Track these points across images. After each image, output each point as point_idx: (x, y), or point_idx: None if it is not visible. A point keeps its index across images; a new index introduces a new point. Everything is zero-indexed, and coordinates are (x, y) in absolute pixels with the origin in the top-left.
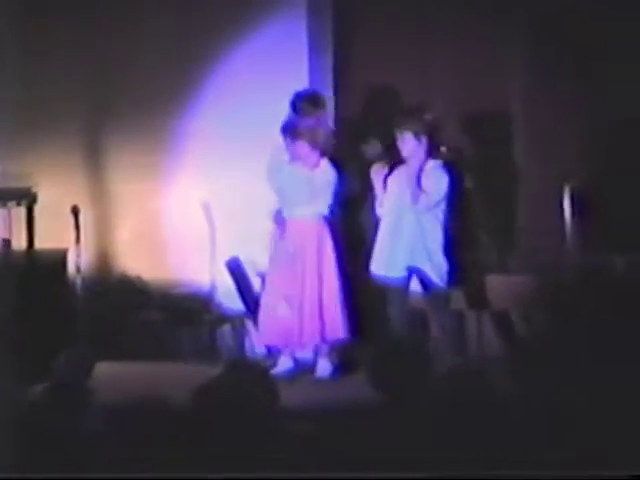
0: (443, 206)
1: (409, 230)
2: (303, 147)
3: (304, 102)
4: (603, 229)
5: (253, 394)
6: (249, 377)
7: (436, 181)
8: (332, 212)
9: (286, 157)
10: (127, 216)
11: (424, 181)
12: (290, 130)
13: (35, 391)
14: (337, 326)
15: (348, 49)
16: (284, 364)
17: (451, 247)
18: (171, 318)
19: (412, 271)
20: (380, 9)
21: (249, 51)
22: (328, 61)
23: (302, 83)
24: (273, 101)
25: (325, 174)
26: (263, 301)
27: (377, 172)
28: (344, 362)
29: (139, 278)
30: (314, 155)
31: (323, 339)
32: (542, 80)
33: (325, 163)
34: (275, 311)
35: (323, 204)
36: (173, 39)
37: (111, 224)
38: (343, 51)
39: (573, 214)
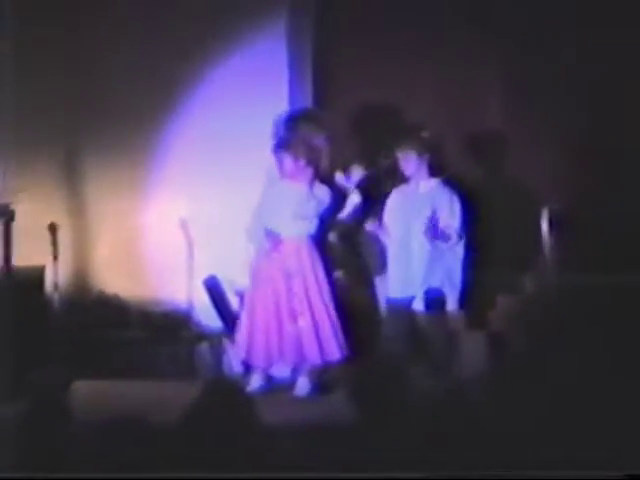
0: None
1: (423, 251)
2: (294, 163)
3: (300, 119)
4: (582, 250)
5: (231, 412)
6: (227, 395)
7: (451, 213)
8: (322, 231)
9: (277, 174)
10: (105, 234)
11: (440, 214)
12: (281, 146)
13: (12, 408)
14: (332, 348)
15: (328, 68)
16: (255, 382)
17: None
18: (149, 336)
19: (432, 292)
20: (360, 28)
21: (230, 70)
22: (308, 81)
23: (282, 102)
24: (253, 119)
25: (317, 193)
26: (243, 319)
27: (376, 190)
28: (323, 381)
29: (117, 296)
30: (306, 172)
31: (312, 359)
32: (521, 102)
33: (318, 181)
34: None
35: (313, 223)
36: (153, 58)
37: (89, 242)
38: (323, 70)
39: (552, 235)
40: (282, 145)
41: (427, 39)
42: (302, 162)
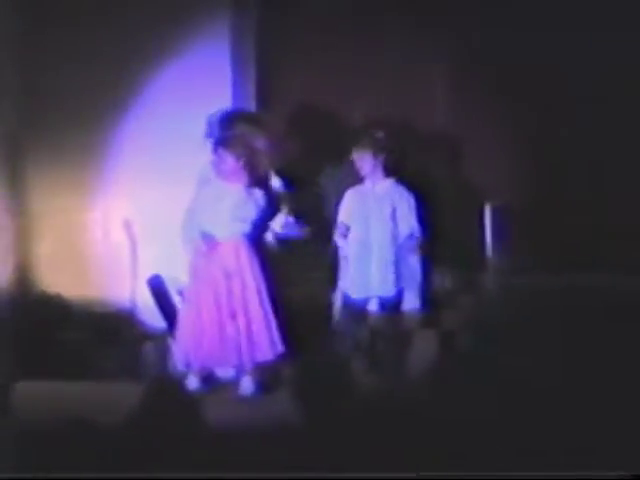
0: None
1: (382, 251)
2: (235, 163)
3: (239, 120)
4: (526, 247)
5: (176, 412)
6: (172, 396)
7: (409, 211)
8: (260, 231)
9: (213, 174)
10: (48, 233)
11: (399, 213)
12: (222, 144)
13: None
14: (265, 346)
15: (270, 69)
16: (193, 382)
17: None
18: (93, 336)
19: (399, 291)
20: (303, 29)
21: (173, 70)
22: (251, 82)
23: (226, 103)
24: (196, 120)
25: (255, 195)
26: (183, 319)
27: (332, 189)
28: (268, 380)
29: (60, 296)
30: (244, 173)
31: (249, 358)
32: (465, 98)
33: (255, 183)
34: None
35: (251, 224)
36: (98, 57)
37: (31, 241)
38: (265, 71)
39: (494, 232)
40: (223, 143)
41: (375, 39)
42: (242, 162)
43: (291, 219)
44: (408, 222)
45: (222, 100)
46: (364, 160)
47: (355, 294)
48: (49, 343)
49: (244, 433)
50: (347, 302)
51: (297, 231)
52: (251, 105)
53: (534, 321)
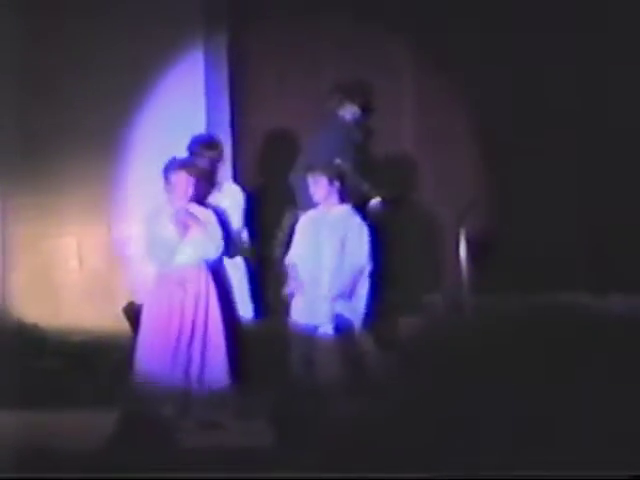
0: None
1: (333, 275)
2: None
3: (199, 145)
4: (498, 271)
5: (153, 440)
6: (148, 424)
7: (360, 240)
8: (218, 257)
9: (165, 202)
10: (23, 260)
11: (348, 245)
12: (176, 166)
13: None
14: (219, 373)
15: (245, 93)
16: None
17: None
18: (68, 365)
19: (337, 317)
20: (275, 54)
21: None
22: (225, 105)
23: (200, 127)
24: (172, 144)
25: (211, 216)
26: (142, 347)
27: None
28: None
29: (36, 325)
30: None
31: (203, 385)
32: (437, 124)
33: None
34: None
35: (206, 249)
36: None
37: (6, 268)
38: (240, 94)
39: (468, 256)
40: (174, 165)
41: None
42: (191, 183)
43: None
44: (358, 251)
45: (197, 127)
46: (318, 185)
47: (304, 318)
48: (25, 371)
49: (216, 459)
50: (296, 327)
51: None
52: (225, 131)
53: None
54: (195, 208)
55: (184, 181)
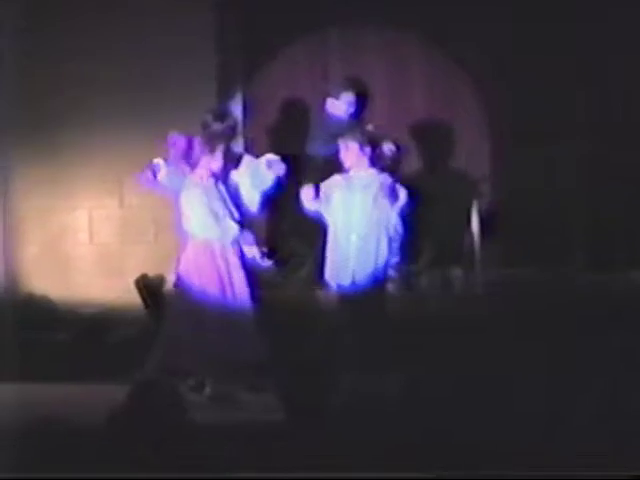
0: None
1: (361, 238)
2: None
3: (210, 116)
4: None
5: (163, 411)
6: (160, 395)
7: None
8: (241, 227)
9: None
10: (34, 234)
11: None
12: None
13: None
14: (247, 347)
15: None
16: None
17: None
18: (79, 337)
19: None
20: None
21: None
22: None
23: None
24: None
25: (237, 183)
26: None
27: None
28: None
29: (46, 298)
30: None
31: (234, 359)
32: (457, 93)
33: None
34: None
35: (230, 221)
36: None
37: (17, 241)
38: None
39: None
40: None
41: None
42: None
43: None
44: (388, 212)
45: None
46: (350, 151)
47: (332, 279)
48: (35, 344)
49: (231, 433)
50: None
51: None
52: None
53: (522, 315)
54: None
55: (208, 155)
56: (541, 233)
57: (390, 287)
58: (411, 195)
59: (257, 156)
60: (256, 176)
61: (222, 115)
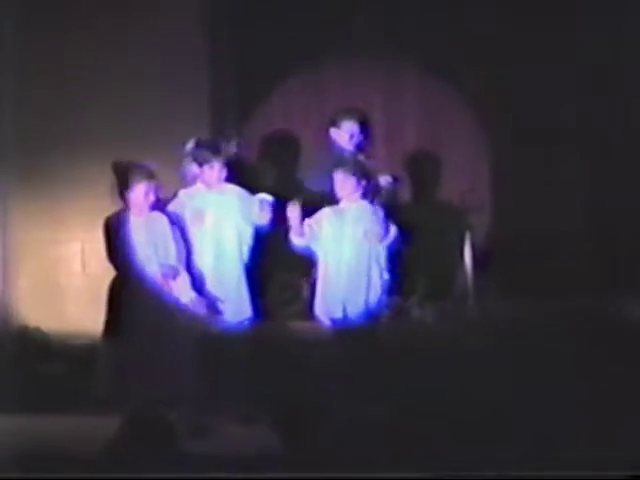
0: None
1: (351, 269)
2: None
3: (203, 150)
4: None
5: (156, 442)
6: (151, 427)
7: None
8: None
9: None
10: (27, 265)
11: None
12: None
13: None
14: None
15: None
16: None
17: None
18: (72, 369)
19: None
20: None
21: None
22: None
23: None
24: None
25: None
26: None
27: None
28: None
29: (39, 329)
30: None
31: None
32: (447, 118)
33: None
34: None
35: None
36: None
37: (10, 273)
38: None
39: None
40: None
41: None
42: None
43: None
44: (378, 245)
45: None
46: (347, 183)
47: (327, 314)
48: (28, 376)
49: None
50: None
51: None
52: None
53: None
54: None
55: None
56: (536, 266)
57: (382, 320)
58: (401, 230)
59: (250, 190)
60: (248, 214)
61: (216, 148)
